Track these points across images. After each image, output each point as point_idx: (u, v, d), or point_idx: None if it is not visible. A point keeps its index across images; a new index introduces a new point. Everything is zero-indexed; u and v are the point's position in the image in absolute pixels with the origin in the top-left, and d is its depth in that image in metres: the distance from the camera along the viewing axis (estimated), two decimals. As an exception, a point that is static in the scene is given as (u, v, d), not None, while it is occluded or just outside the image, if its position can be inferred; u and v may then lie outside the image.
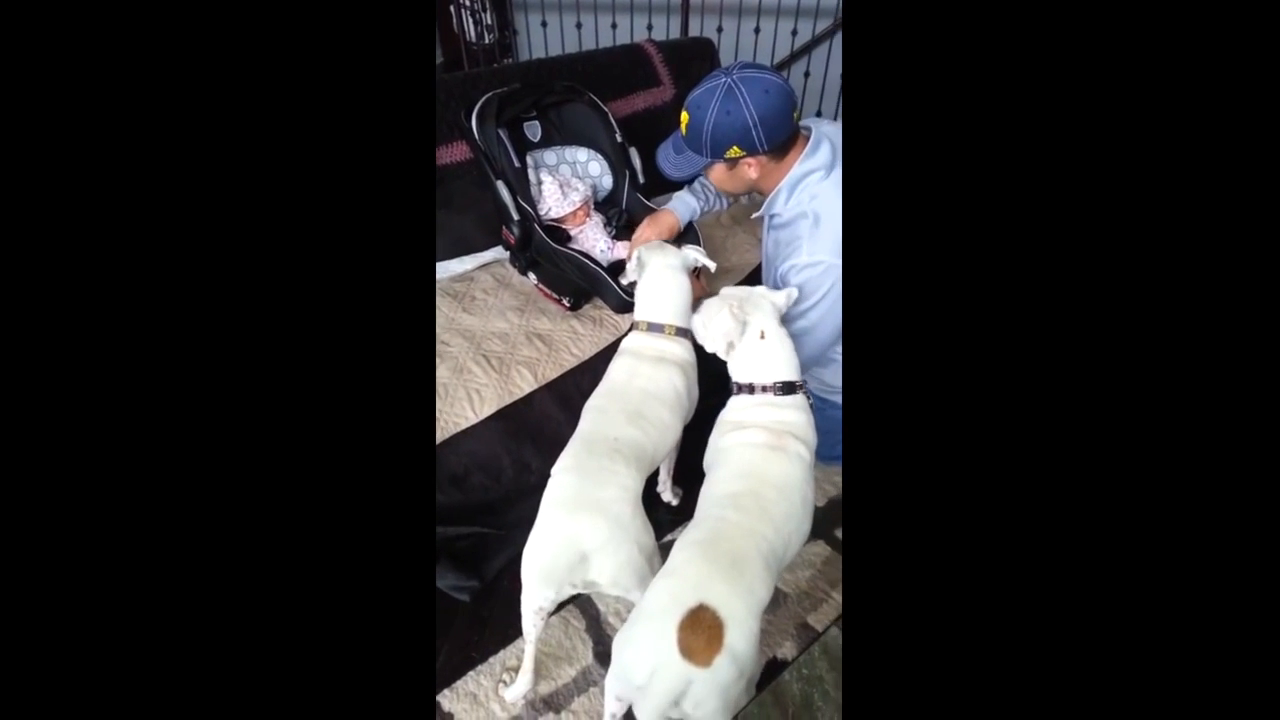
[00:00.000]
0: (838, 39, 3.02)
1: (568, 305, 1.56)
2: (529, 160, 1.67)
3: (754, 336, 1.11)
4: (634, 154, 1.72)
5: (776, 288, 1.24)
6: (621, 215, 1.71)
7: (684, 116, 1.23)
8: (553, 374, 1.42)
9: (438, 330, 1.50)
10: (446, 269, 1.66)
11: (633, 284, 1.33)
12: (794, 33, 2.71)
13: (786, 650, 1.25)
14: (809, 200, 1.23)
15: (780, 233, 1.32)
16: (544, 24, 2.99)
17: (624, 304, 1.48)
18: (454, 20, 3.25)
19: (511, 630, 1.30)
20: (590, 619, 1.31)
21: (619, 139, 1.70)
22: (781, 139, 1.20)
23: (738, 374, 1.12)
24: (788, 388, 1.08)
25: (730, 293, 1.19)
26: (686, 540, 0.93)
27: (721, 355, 1.16)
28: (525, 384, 1.39)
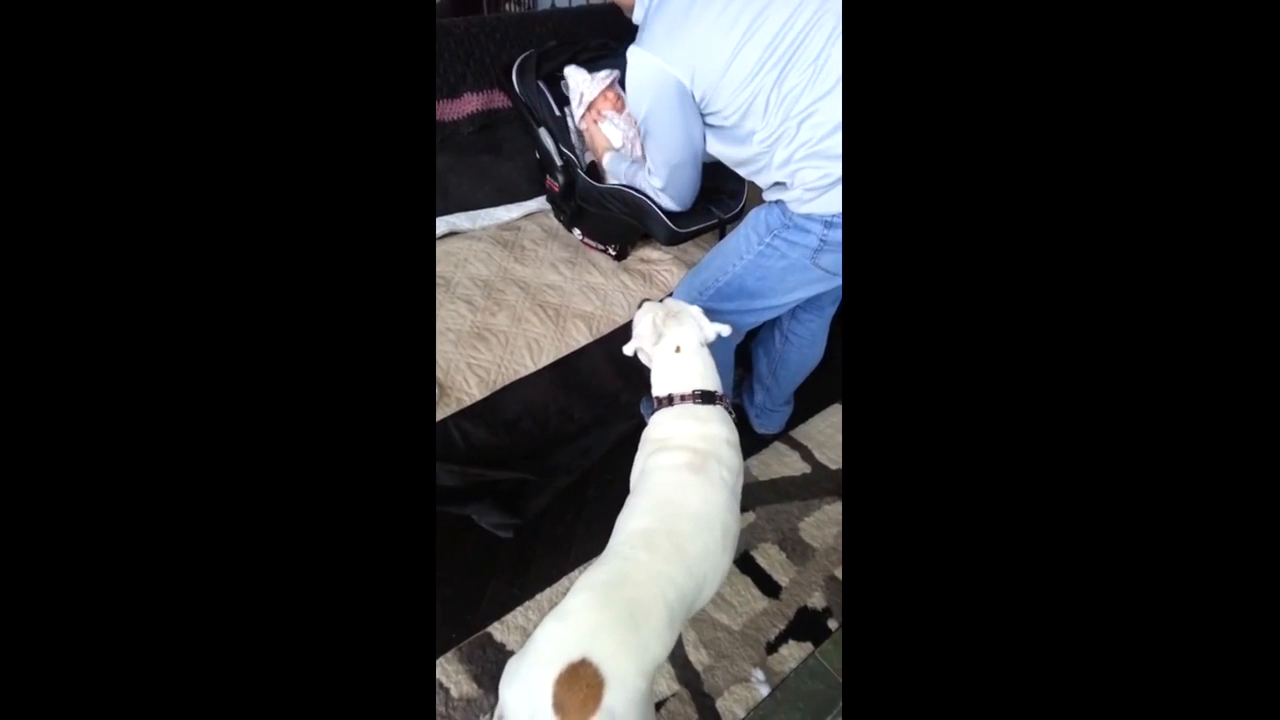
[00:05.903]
0: None
1: (613, 254, 1.58)
2: (566, 112, 1.67)
3: (668, 350, 1.09)
4: None
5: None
6: None
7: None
8: (606, 329, 1.45)
9: (493, 279, 1.52)
10: (493, 216, 1.66)
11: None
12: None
13: (816, 600, 1.35)
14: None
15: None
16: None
17: (673, 235, 1.45)
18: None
19: (554, 571, 1.37)
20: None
21: None
22: None
23: (657, 387, 1.10)
24: (707, 397, 1.07)
25: (664, 304, 1.17)
26: (589, 580, 0.86)
27: (644, 361, 1.14)
28: (581, 336, 1.42)
